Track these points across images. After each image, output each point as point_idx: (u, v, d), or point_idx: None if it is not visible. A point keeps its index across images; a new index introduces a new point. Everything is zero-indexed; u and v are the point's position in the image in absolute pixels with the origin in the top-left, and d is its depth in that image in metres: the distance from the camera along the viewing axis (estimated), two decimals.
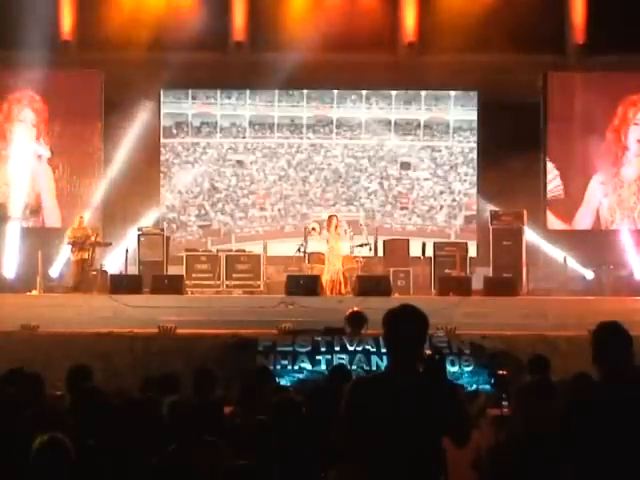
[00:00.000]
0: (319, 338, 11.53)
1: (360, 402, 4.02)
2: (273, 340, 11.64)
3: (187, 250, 17.19)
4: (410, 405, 3.93)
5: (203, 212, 18.77)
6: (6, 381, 5.90)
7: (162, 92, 18.78)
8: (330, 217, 16.11)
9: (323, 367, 11.13)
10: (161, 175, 18.76)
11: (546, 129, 18.35)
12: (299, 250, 16.42)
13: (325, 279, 15.25)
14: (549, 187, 18.12)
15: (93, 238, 15.80)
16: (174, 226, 18.55)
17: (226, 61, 18.53)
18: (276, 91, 18.77)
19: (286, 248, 17.17)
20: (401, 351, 4.07)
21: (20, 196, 17.91)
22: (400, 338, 4.08)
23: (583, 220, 18.13)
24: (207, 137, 18.90)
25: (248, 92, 18.81)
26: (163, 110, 18.81)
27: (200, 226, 18.72)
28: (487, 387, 10.70)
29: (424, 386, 4.02)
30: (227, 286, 16.42)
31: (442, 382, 4.10)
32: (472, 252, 16.99)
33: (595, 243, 17.32)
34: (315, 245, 16.20)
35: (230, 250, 17.44)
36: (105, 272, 15.85)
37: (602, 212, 18.10)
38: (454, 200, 18.79)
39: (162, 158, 18.76)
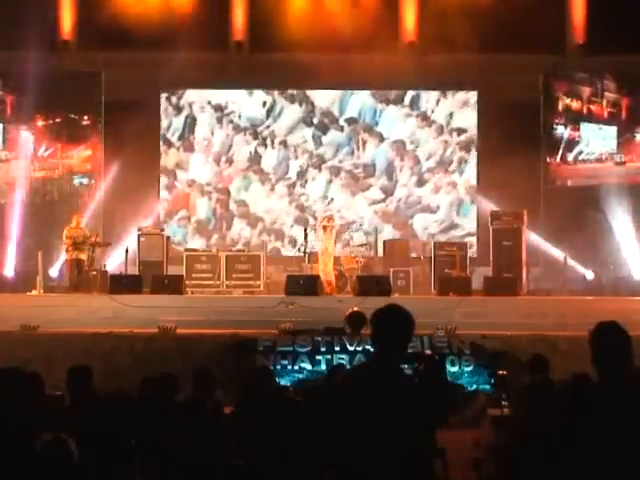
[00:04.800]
0: (319, 338, 11.53)
1: (344, 395, 4.19)
2: (273, 340, 11.64)
3: (187, 250, 17.18)
4: (388, 397, 4.01)
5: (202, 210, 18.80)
6: (6, 380, 5.89)
7: (162, 92, 18.78)
8: (323, 218, 16.07)
9: (323, 367, 11.13)
10: (161, 175, 18.76)
11: (546, 129, 18.36)
12: (299, 250, 16.45)
13: (321, 279, 15.24)
14: None
15: (93, 238, 15.79)
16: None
17: (226, 61, 18.53)
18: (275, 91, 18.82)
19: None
20: (385, 347, 4.16)
21: (19, 197, 17.92)
22: (384, 335, 4.16)
23: None
24: (207, 136, 18.91)
25: (248, 92, 18.85)
26: (163, 110, 18.81)
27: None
28: (487, 387, 10.71)
29: (401, 381, 4.10)
30: (227, 286, 16.42)
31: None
32: (472, 252, 16.99)
33: (595, 243, 17.32)
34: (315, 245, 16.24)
35: (230, 250, 17.43)
36: (105, 272, 15.84)
37: None
38: (454, 199, 18.82)
39: (162, 158, 18.76)
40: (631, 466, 3.97)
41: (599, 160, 18.21)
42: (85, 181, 18.36)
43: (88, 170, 18.35)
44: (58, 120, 18.19)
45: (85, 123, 18.26)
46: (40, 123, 18.22)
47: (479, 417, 9.34)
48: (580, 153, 18.26)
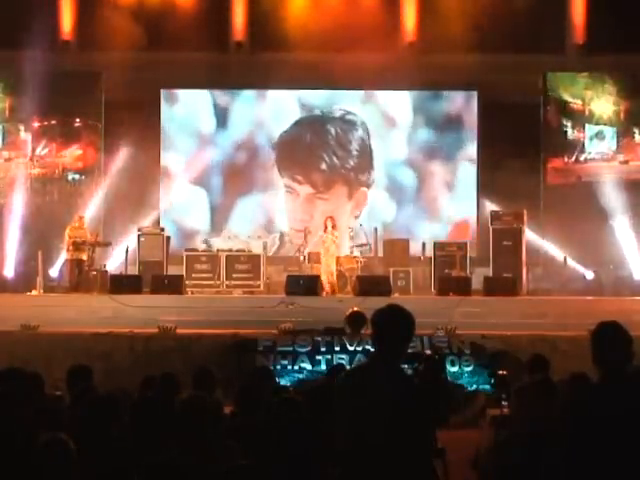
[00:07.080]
0: (319, 338, 11.55)
1: (344, 395, 4.22)
2: (273, 340, 11.66)
3: (187, 250, 17.18)
4: (388, 397, 4.01)
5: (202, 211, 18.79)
6: (5, 380, 5.89)
7: (162, 92, 18.77)
8: (326, 218, 16.10)
9: (323, 367, 11.14)
10: (161, 175, 18.75)
11: (546, 129, 18.34)
12: (299, 250, 16.46)
13: (321, 279, 15.26)
14: None
15: (93, 238, 15.79)
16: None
17: (226, 61, 18.53)
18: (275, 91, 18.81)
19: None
20: (385, 347, 4.16)
21: (19, 197, 17.90)
22: (385, 335, 4.17)
23: None
24: (207, 136, 18.90)
25: (248, 92, 18.85)
26: (163, 110, 18.79)
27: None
28: (487, 387, 10.72)
29: (401, 381, 4.10)
30: (227, 286, 16.42)
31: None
32: (472, 252, 16.97)
33: (595, 243, 17.31)
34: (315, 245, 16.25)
35: (230, 250, 17.42)
36: (105, 272, 15.85)
37: None
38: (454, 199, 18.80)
39: (162, 158, 18.74)
40: (632, 466, 3.97)
41: (600, 160, 18.19)
42: (77, 177, 18.31)
43: (79, 168, 18.30)
44: (54, 122, 18.13)
45: (77, 125, 18.20)
46: (37, 124, 18.16)
47: (479, 417, 9.35)
48: (588, 154, 18.23)
